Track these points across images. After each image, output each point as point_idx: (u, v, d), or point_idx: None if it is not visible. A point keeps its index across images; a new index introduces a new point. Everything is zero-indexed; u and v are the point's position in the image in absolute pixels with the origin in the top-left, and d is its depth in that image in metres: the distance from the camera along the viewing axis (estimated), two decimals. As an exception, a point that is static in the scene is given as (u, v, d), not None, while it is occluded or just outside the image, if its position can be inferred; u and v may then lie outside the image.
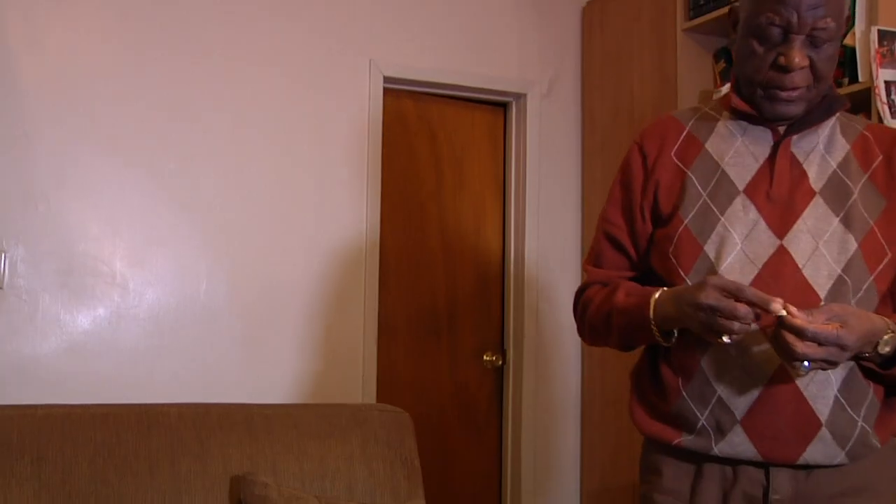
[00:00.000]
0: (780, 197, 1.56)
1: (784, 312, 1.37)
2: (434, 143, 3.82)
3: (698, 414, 1.56)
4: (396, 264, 3.69)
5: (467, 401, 3.83)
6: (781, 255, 1.52)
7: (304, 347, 3.39)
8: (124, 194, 3.18)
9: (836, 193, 1.56)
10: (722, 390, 1.53)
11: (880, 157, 1.61)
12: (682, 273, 1.58)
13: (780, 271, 1.51)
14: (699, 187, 1.61)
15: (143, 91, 3.22)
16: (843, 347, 1.38)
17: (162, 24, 3.26)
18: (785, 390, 1.50)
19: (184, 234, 3.25)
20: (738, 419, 1.53)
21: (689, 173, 1.64)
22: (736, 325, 1.39)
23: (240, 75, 3.36)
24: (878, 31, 2.70)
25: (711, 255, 1.56)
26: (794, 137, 1.61)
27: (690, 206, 1.60)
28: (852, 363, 1.52)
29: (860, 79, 2.75)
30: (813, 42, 1.52)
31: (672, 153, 1.67)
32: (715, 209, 1.58)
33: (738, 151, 1.63)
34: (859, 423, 1.53)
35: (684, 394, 1.58)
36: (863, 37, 2.74)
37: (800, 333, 1.36)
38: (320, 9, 3.51)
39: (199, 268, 3.27)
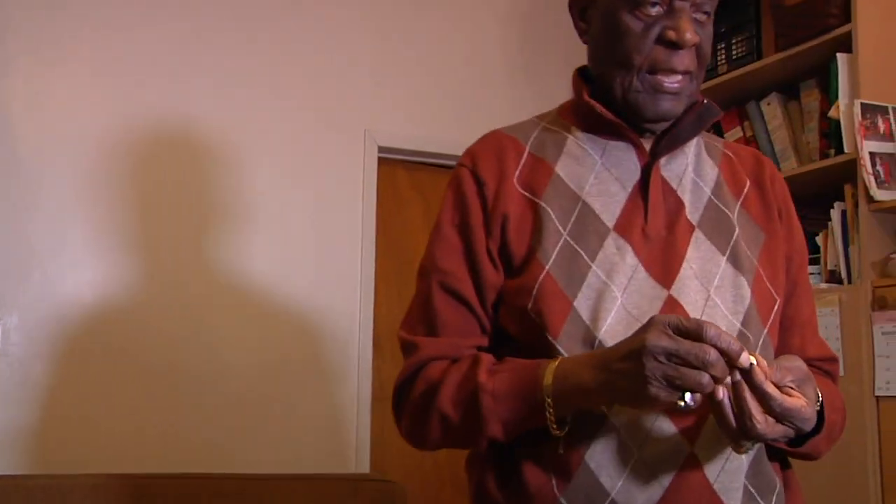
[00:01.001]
0: (657, 235, 1.22)
1: (753, 362, 1.02)
2: (428, 212, 3.86)
3: None
4: (391, 332, 3.70)
5: (462, 471, 3.80)
6: (672, 308, 1.18)
7: (296, 415, 3.38)
8: (120, 263, 3.20)
9: (717, 227, 1.25)
10: (617, 493, 1.14)
11: (748, 183, 1.32)
12: (549, 336, 1.16)
13: None
14: (557, 223, 1.22)
15: (141, 162, 3.26)
16: (801, 428, 1.08)
17: (160, 93, 3.32)
18: (694, 484, 1.15)
19: (178, 304, 3.26)
20: None
21: (543, 204, 1.23)
22: (706, 378, 0.99)
23: (237, 146, 3.40)
24: (861, 104, 2.76)
25: (585, 313, 1.16)
26: (664, 159, 1.27)
27: (550, 248, 1.20)
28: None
29: (846, 150, 2.80)
30: (697, 15, 1.21)
31: (515, 180, 1.26)
32: (582, 253, 1.20)
33: (600, 178, 1.25)
34: None
35: (561, 500, 1.16)
36: (847, 110, 2.80)
37: (766, 401, 1.03)
38: (316, 80, 3.58)
39: (192, 337, 3.27)
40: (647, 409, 1.10)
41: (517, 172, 1.27)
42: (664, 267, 1.20)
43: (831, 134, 2.89)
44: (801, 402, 1.05)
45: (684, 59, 1.20)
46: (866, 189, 2.71)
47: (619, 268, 1.19)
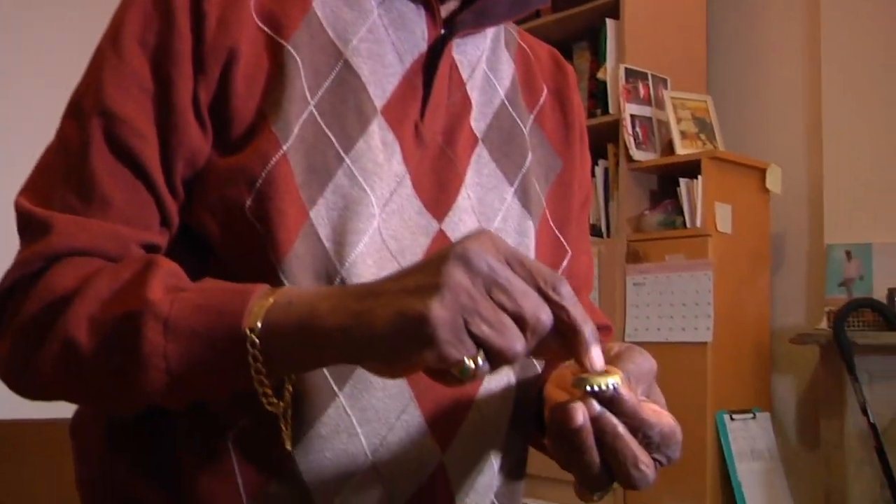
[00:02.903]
0: (433, 140, 0.83)
1: (618, 382, 0.63)
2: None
3: None
4: None
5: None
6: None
7: None
8: None
9: (507, 144, 0.89)
10: None
11: (545, 91, 0.96)
12: (270, 255, 0.73)
13: None
14: (305, 85, 0.78)
15: None
16: (673, 457, 0.69)
17: None
18: (435, 502, 0.79)
19: None
20: None
21: (290, 48, 0.78)
22: (518, 345, 0.58)
23: None
24: (626, 69, 2.89)
25: (325, 230, 0.75)
26: (460, 38, 0.87)
27: (293, 119, 0.76)
28: (515, 439, 0.87)
29: (610, 111, 2.93)
30: None
31: (252, 4, 0.78)
32: (333, 138, 0.77)
33: (376, 34, 0.82)
34: None
35: None
36: (612, 73, 2.93)
37: (642, 430, 0.65)
38: None
39: None
40: (403, 371, 0.61)
41: None
42: (437, 189, 0.82)
43: (599, 95, 3.00)
44: (672, 421, 0.67)
45: None
46: (626, 149, 2.84)
47: (382, 172, 0.78)
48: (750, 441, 2.66)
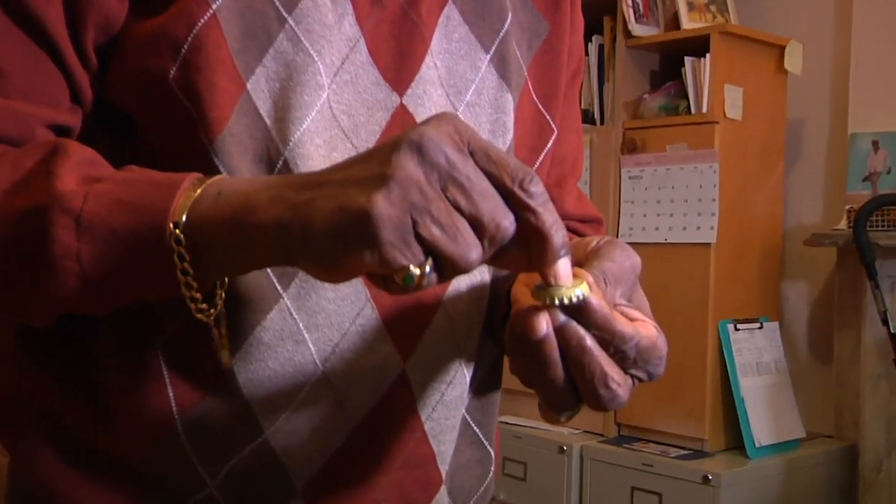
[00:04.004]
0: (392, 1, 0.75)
1: (586, 292, 0.58)
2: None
3: (204, 477, 0.70)
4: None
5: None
6: (404, 126, 0.73)
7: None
8: None
9: (483, 5, 0.80)
10: (274, 432, 0.70)
11: None
12: (202, 135, 0.66)
13: None
14: None
15: None
16: (655, 372, 0.63)
17: None
18: (397, 421, 0.75)
19: None
20: (297, 490, 0.72)
21: None
22: (473, 253, 0.53)
23: None
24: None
25: (265, 104, 0.68)
26: None
27: None
28: (489, 346, 0.82)
29: (607, -20, 2.77)
30: None
31: None
32: None
33: None
34: (491, 469, 0.85)
35: (179, 427, 0.69)
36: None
37: (615, 343, 0.59)
38: None
39: None
40: (342, 275, 0.55)
41: None
42: (397, 56, 0.75)
43: (595, -37, 2.83)
44: (653, 332, 0.62)
45: None
46: (625, 23, 2.70)
47: (332, 36, 0.71)
48: (755, 354, 2.60)
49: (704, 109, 2.56)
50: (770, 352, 2.65)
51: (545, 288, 0.56)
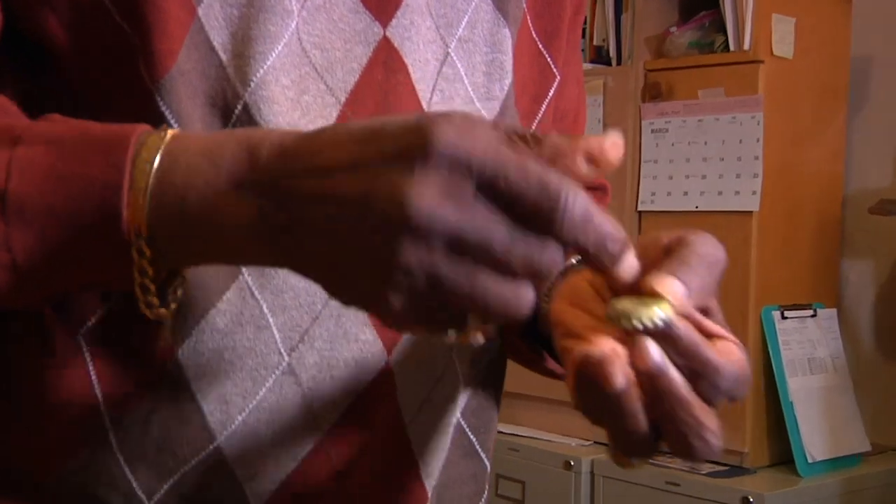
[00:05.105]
0: None
1: (670, 316, 0.54)
2: None
3: (140, 497, 0.64)
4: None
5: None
6: (388, 63, 0.71)
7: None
8: None
9: None
10: (229, 437, 0.66)
11: None
12: (144, 73, 0.60)
13: (387, 104, 0.71)
14: None
15: None
16: (737, 396, 0.60)
17: None
18: (378, 422, 0.71)
19: None
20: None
21: None
22: (523, 303, 0.49)
23: None
24: None
25: (220, 35, 0.63)
26: None
27: None
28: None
29: None
30: None
31: None
32: None
33: None
34: (486, 486, 0.82)
35: (110, 434, 0.63)
36: None
37: (707, 376, 0.54)
38: None
39: None
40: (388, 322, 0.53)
41: None
42: None
43: None
44: (739, 353, 0.57)
45: None
46: None
47: None
48: (807, 348, 2.42)
49: (746, 46, 2.29)
50: (825, 345, 2.44)
51: (617, 305, 0.52)
